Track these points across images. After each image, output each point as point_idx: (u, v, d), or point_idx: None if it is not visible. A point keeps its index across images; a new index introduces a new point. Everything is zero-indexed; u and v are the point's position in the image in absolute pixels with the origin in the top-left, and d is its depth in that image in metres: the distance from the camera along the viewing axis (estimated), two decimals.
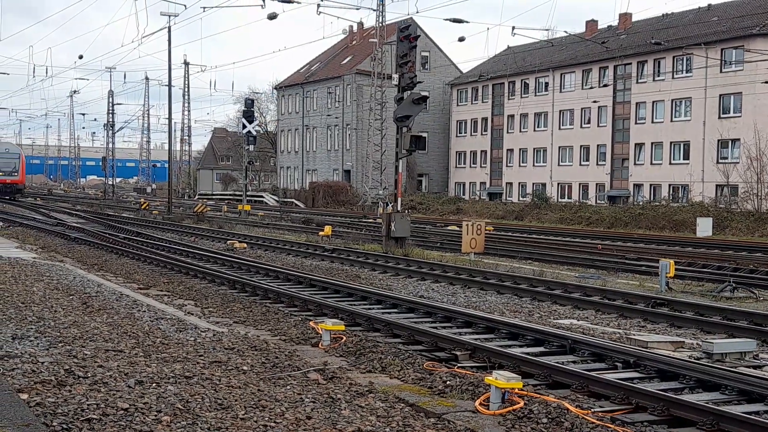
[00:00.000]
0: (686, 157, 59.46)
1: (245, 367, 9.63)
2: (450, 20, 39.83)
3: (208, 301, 16.13)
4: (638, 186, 63.31)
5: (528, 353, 10.80)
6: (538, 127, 73.83)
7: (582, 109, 68.39)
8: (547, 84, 72.30)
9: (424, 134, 33.01)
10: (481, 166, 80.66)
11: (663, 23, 64.95)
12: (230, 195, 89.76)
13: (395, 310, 14.85)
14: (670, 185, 60.22)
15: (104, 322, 12.41)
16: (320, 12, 43.03)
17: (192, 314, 14.24)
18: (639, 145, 63.78)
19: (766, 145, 50.79)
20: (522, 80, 74.82)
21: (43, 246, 28.04)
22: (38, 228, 36.79)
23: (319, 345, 11.50)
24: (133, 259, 24.49)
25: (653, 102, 62.06)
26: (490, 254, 27.68)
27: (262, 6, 33.77)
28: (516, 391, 8.25)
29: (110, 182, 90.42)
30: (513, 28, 43.41)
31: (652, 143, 62.50)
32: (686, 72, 59.33)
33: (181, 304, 15.60)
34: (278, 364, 9.96)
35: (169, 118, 53.93)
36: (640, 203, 57.07)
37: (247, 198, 58.10)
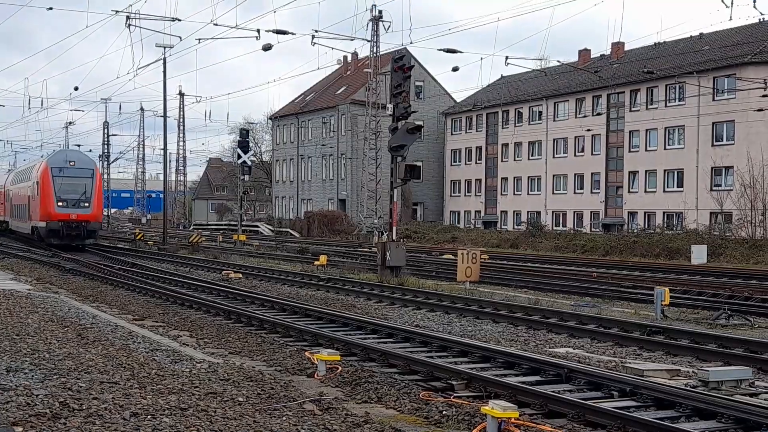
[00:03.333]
0: (680, 184, 59.63)
1: (241, 398, 9.60)
2: (444, 50, 40.04)
3: (204, 332, 16.09)
4: (633, 214, 63.43)
5: (524, 382, 10.79)
6: (532, 155, 74.05)
7: (576, 137, 68.63)
8: (540, 113, 72.61)
9: (419, 163, 33.09)
10: (475, 195, 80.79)
11: (655, 52, 65.38)
12: (225, 225, 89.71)
13: (391, 340, 14.82)
14: (664, 213, 60.34)
15: (99, 353, 12.37)
16: (315, 43, 43.10)
17: (187, 345, 14.21)
18: (633, 173, 63.98)
19: (759, 172, 50.97)
20: (516, 109, 75.14)
21: (38, 277, 27.97)
22: (33, 259, 36.72)
23: (315, 375, 11.47)
24: (128, 290, 24.45)
25: (647, 130, 62.34)
26: (486, 283, 27.67)
27: (257, 37, 33.94)
28: (512, 420, 8.23)
29: (105, 213, 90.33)
30: (506, 57, 43.64)
31: (646, 171, 62.70)
32: (679, 100, 59.65)
33: (177, 335, 15.56)
34: (274, 395, 9.93)
35: (165, 149, 54.02)
36: (635, 231, 57.15)
37: (243, 228, 58.04)
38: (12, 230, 55.69)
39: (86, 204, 42.76)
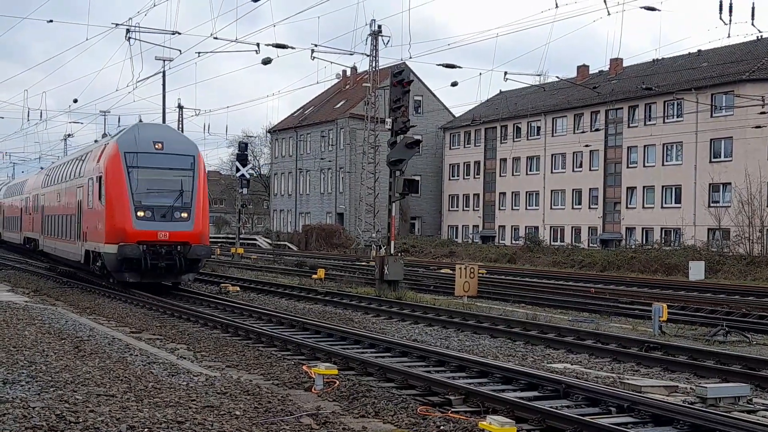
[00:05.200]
0: (678, 200, 59.70)
1: (238, 412, 9.57)
2: (443, 65, 40.16)
3: (201, 345, 16.06)
4: (630, 229, 63.47)
5: (522, 398, 10.77)
6: (530, 170, 74.15)
7: (574, 153, 68.74)
8: (539, 128, 72.75)
9: (417, 177, 33.15)
10: (473, 210, 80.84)
11: (654, 69, 65.57)
12: (223, 238, 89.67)
13: (388, 354, 14.80)
14: (662, 229, 60.38)
15: (96, 366, 12.34)
16: (314, 57, 43.21)
17: (184, 358, 14.18)
18: (631, 189, 64.07)
19: (757, 189, 51.08)
20: (514, 124, 75.28)
21: (35, 289, 27.92)
22: (30, 272, 36.66)
23: (312, 389, 11.45)
24: (125, 302, 24.41)
25: (644, 146, 62.47)
26: (483, 297, 27.65)
27: (256, 51, 34.00)
28: None
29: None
30: (505, 73, 43.78)
31: (643, 187, 62.80)
32: (677, 117, 59.78)
33: (174, 348, 15.54)
34: (271, 408, 9.91)
35: None
36: (633, 247, 57.15)
37: (241, 241, 58.03)
38: (48, 254, 39.48)
39: (185, 214, 26.28)
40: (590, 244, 64.66)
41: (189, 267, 26.25)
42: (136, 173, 26.01)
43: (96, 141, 38.00)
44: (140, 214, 25.58)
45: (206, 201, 27.03)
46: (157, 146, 26.53)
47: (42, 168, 55.86)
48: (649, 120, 61.89)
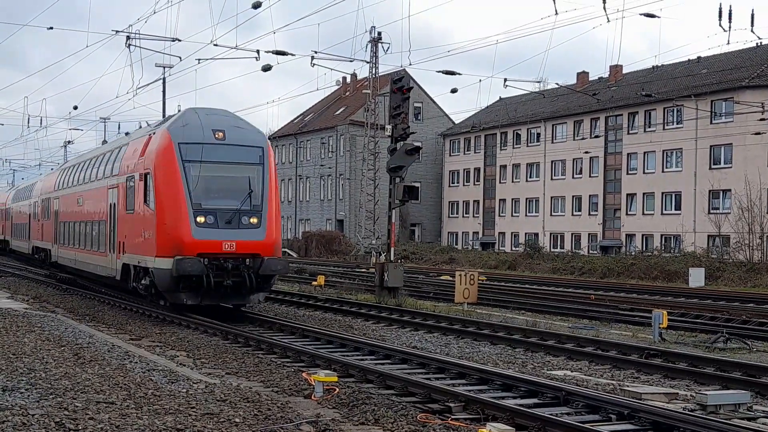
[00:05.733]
0: (678, 207, 59.70)
1: (237, 419, 9.56)
2: (443, 72, 40.15)
3: (201, 352, 16.05)
4: (630, 236, 63.45)
5: (522, 405, 10.76)
6: (530, 177, 74.17)
7: (574, 159, 68.76)
8: (539, 135, 72.78)
9: (417, 184, 32.99)
10: (473, 216, 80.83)
11: (653, 75, 65.64)
12: None
13: (388, 361, 14.79)
14: (662, 235, 60.37)
15: (96, 373, 12.33)
16: (314, 64, 43.22)
17: (184, 365, 14.16)
18: (631, 196, 64.07)
19: (757, 195, 51.08)
20: (514, 131, 75.31)
21: (34, 296, 27.89)
22: (30, 278, 36.62)
23: (312, 396, 11.44)
24: (124, 309, 24.38)
25: (644, 153, 62.48)
26: (483, 304, 27.62)
27: (256, 58, 33.98)
28: None
29: None
30: (505, 80, 43.81)
31: (643, 194, 62.79)
32: (677, 123, 59.80)
33: (173, 355, 15.52)
34: (270, 416, 9.90)
35: None
36: (633, 253, 57.15)
37: None
38: (64, 267, 34.85)
39: (254, 220, 21.35)
40: (590, 251, 64.63)
41: (260, 285, 20.96)
42: (195, 169, 20.80)
43: (127, 133, 33.90)
44: (200, 219, 20.43)
45: (278, 203, 22.27)
46: (217, 135, 21.36)
47: (53, 169, 50.09)
48: (649, 126, 61.92)
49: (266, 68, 36.49)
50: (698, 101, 56.05)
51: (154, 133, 22.75)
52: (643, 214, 62.71)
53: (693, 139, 57.94)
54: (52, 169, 55.81)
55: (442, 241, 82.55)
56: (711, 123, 56.78)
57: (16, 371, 12.09)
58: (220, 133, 21.43)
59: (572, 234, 69.03)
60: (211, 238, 20.37)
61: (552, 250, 66.81)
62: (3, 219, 57.96)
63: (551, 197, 71.51)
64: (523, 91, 67.13)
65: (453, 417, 10.28)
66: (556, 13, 29.46)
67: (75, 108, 60.92)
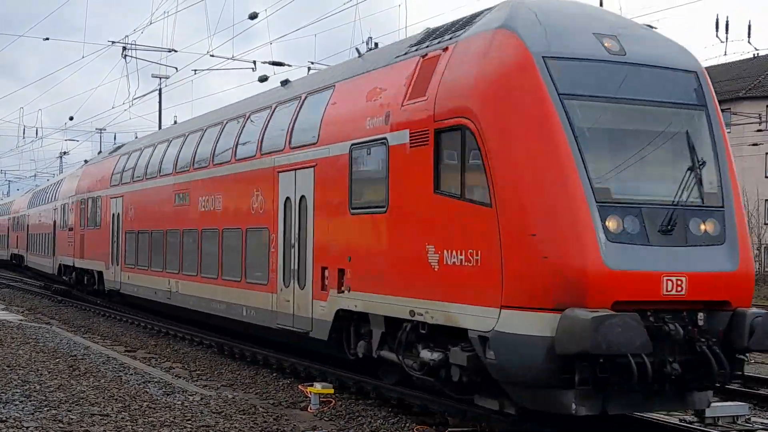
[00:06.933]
0: None
1: None
2: None
3: (196, 364, 15.98)
4: None
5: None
6: None
7: None
8: None
9: None
10: None
11: None
12: None
13: None
14: None
15: (91, 385, 12.26)
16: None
17: (180, 377, 14.10)
18: None
19: (754, 207, 51.11)
20: None
21: (29, 308, 27.81)
22: (25, 290, 36.51)
23: (308, 409, 11.38)
24: (120, 321, 24.27)
25: None
26: None
27: (253, 69, 33.95)
28: None
29: None
30: None
31: None
32: None
33: (169, 367, 15.46)
34: (266, 428, 9.84)
35: None
36: None
37: None
38: (136, 301, 24.34)
39: (711, 227, 9.87)
40: None
41: (732, 367, 9.92)
42: (586, 115, 9.79)
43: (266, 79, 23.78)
44: (612, 225, 9.20)
45: (738, 189, 11.31)
46: (607, 44, 10.28)
47: (87, 161, 36.09)
48: None
49: (263, 79, 36.41)
50: None
51: (456, 40, 10.77)
52: None
53: None
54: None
55: None
56: None
57: (11, 383, 12.02)
58: (610, 42, 10.38)
59: None
60: (638, 267, 9.11)
61: None
62: (16, 229, 49.72)
63: None
64: None
65: (450, 429, 10.23)
66: None
67: (71, 119, 60.60)
